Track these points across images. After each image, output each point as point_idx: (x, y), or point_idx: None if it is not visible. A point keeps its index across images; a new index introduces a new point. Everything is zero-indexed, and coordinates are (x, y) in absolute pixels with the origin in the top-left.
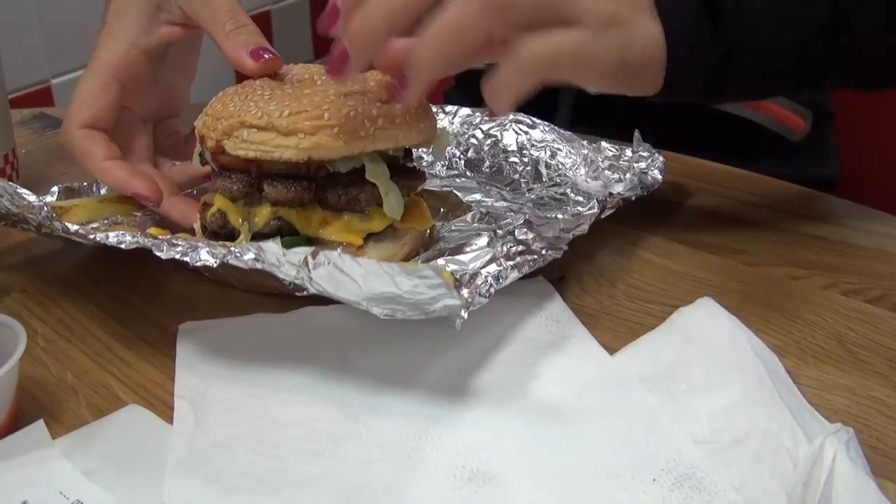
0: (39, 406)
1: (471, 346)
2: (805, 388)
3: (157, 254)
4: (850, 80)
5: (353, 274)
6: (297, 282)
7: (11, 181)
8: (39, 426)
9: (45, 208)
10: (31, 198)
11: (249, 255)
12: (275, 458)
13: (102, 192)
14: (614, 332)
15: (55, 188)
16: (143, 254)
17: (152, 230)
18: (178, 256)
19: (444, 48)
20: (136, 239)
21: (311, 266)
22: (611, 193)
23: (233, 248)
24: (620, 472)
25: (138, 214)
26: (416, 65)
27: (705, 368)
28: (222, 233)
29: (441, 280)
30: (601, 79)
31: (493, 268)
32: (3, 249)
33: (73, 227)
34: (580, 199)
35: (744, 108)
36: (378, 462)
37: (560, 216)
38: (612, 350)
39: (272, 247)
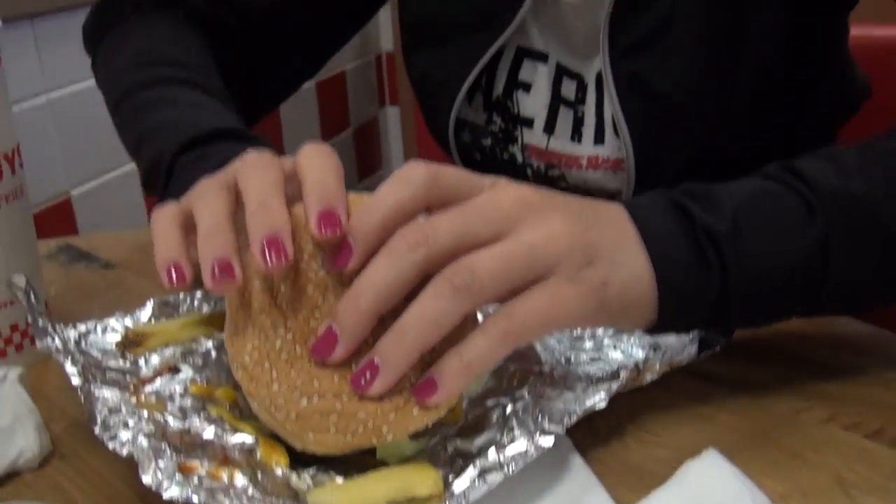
0: None
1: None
2: None
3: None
4: (845, 306)
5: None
6: None
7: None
8: None
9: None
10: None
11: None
12: None
13: (183, 310)
14: (622, 480)
15: (150, 302)
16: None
17: (195, 389)
18: (154, 489)
19: (417, 340)
20: (129, 439)
21: None
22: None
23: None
24: None
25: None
26: (387, 356)
27: None
28: None
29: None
30: (579, 323)
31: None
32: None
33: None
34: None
35: None
36: None
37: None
38: (621, 502)
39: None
